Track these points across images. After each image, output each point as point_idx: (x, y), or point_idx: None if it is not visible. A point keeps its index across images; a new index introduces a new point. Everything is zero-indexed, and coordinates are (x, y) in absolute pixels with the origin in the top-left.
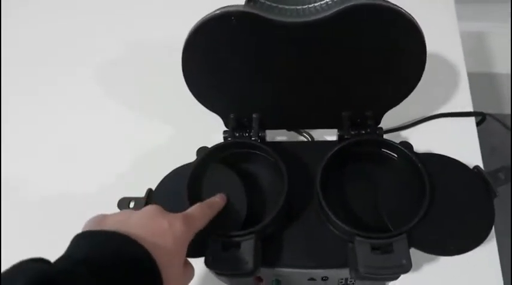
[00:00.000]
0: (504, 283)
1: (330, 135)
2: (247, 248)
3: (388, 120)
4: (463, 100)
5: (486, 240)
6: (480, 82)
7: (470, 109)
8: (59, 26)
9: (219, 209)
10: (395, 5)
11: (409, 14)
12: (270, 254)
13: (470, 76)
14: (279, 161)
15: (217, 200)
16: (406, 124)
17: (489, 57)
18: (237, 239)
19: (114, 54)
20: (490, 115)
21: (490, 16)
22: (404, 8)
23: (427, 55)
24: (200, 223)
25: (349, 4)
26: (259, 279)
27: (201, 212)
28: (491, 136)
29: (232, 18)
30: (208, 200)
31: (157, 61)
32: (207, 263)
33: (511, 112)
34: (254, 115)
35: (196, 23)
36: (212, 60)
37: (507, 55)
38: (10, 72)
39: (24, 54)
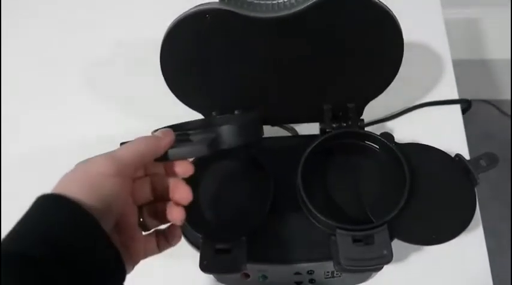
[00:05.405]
0: (492, 270)
1: (315, 128)
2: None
3: (374, 110)
4: (448, 88)
5: (472, 228)
6: (476, 68)
7: (455, 97)
8: (48, 26)
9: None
10: None
11: (383, 4)
12: (255, 249)
13: (465, 63)
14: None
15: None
16: (390, 115)
17: (485, 43)
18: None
19: (100, 54)
20: (486, 101)
21: (482, 1)
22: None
23: (411, 44)
24: (129, 158)
25: None
26: (246, 275)
27: (131, 145)
28: (487, 122)
29: (207, 15)
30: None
31: (143, 60)
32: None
33: (511, 97)
34: (236, 112)
35: (171, 23)
36: (190, 59)
37: (505, 40)
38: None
39: (14, 55)
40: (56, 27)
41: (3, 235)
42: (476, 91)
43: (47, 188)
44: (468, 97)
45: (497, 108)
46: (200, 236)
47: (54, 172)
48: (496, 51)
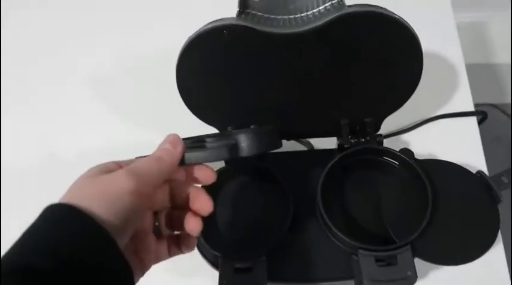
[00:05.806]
0: None
1: (331, 142)
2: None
3: (389, 123)
4: (463, 99)
5: (492, 245)
6: (484, 73)
7: (471, 108)
8: (49, 33)
9: (173, 157)
10: (387, 11)
11: (403, 20)
12: (274, 268)
13: (473, 67)
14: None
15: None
16: (406, 128)
17: (491, 46)
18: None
19: (109, 65)
20: (494, 105)
21: (490, 4)
22: (397, 13)
23: (424, 54)
24: (150, 175)
25: (341, 13)
26: None
27: (148, 164)
28: (495, 126)
29: (224, 31)
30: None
31: (154, 71)
32: None
33: (511, 99)
34: (252, 127)
35: (188, 39)
36: (207, 75)
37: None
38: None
39: (13, 61)
40: (63, 34)
41: (7, 245)
42: (484, 95)
43: (53, 200)
44: (475, 102)
45: (504, 112)
46: (219, 255)
47: (60, 183)
48: (502, 56)
